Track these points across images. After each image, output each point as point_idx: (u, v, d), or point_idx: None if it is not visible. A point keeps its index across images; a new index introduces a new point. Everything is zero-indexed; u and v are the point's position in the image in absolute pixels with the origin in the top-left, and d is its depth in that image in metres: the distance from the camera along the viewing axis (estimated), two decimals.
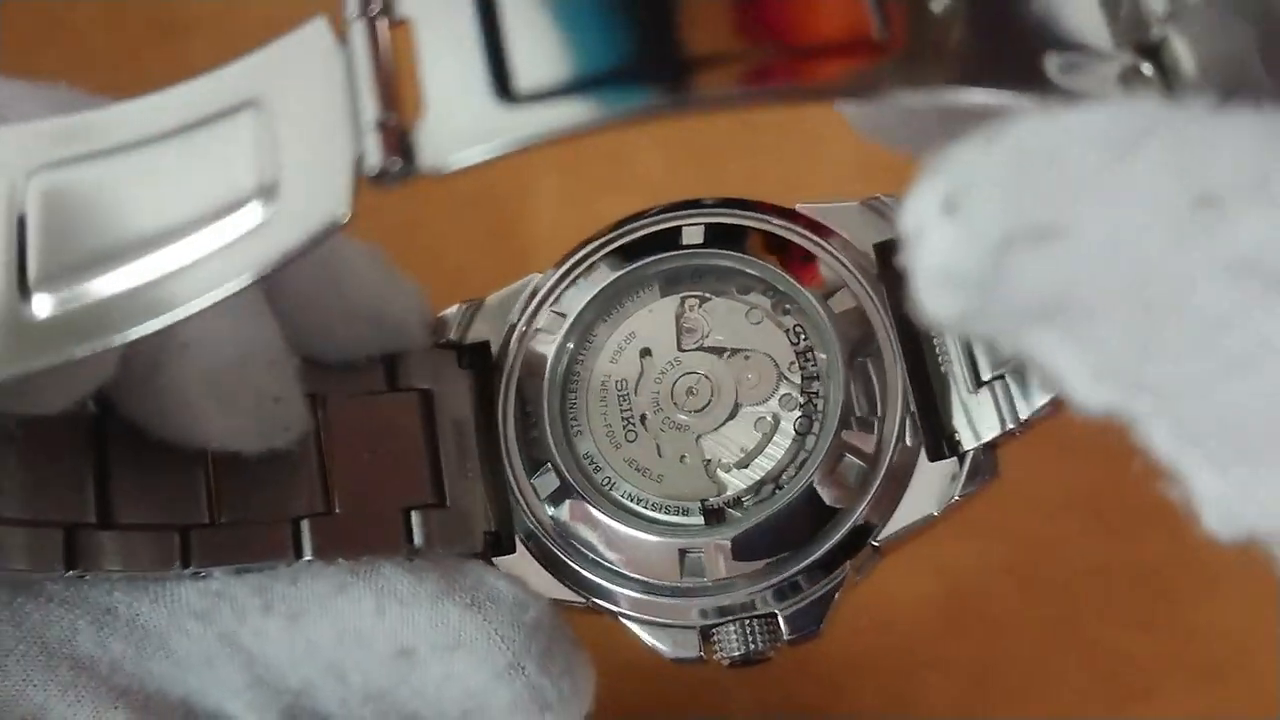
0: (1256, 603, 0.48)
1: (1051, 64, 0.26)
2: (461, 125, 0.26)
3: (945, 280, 0.24)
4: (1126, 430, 0.24)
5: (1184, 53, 0.26)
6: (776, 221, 0.39)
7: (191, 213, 0.29)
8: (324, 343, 0.38)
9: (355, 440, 0.38)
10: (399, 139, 0.26)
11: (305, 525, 0.36)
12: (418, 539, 0.37)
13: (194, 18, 0.60)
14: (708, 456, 0.38)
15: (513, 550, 0.38)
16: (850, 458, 0.36)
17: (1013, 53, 0.27)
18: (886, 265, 0.38)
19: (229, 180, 0.29)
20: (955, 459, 0.36)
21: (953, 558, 0.50)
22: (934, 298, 0.24)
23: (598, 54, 0.26)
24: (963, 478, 0.36)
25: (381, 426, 0.38)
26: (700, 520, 0.37)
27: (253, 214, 0.28)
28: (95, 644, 0.34)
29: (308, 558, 0.35)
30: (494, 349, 0.40)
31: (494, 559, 0.38)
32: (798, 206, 0.39)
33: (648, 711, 0.48)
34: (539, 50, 0.26)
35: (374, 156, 0.26)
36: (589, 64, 0.26)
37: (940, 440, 0.36)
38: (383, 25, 0.28)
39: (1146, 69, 0.26)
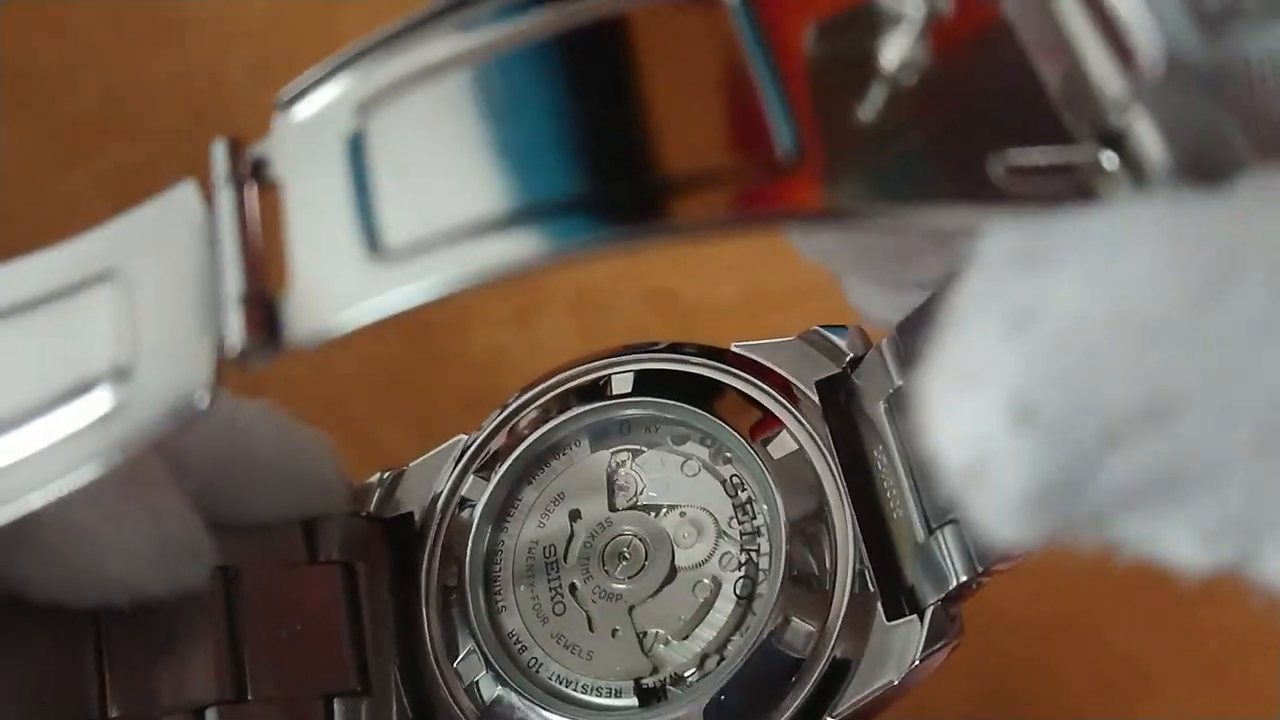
0: (1256, 603, 0.48)
1: (998, 167, 0.22)
2: (331, 292, 0.24)
3: (1035, 505, 0.20)
4: None
5: (1150, 140, 0.22)
6: (709, 364, 0.36)
7: (40, 396, 0.26)
8: (235, 506, 0.35)
9: (271, 616, 0.34)
10: (264, 314, 0.24)
11: (211, 715, 0.32)
12: None
13: (194, 18, 0.59)
14: (642, 629, 0.34)
15: None
16: (799, 621, 0.32)
17: (956, 160, 0.23)
18: (830, 403, 0.35)
19: (81, 359, 0.26)
20: (915, 617, 0.32)
21: None
22: (1018, 527, 0.21)
23: (471, 203, 0.24)
24: (923, 639, 0.32)
25: (300, 602, 0.35)
26: (634, 702, 0.33)
27: (106, 397, 0.26)
28: None
29: None
30: (418, 519, 0.37)
31: None
32: (732, 347, 0.36)
33: None
34: (410, 204, 0.24)
35: (234, 336, 0.24)
36: (461, 213, 0.23)
37: (898, 596, 0.32)
38: (252, 192, 0.26)
39: (1109, 161, 0.23)
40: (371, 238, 0.24)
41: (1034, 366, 0.20)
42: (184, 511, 0.33)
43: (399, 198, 0.24)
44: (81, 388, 0.26)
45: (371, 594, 0.36)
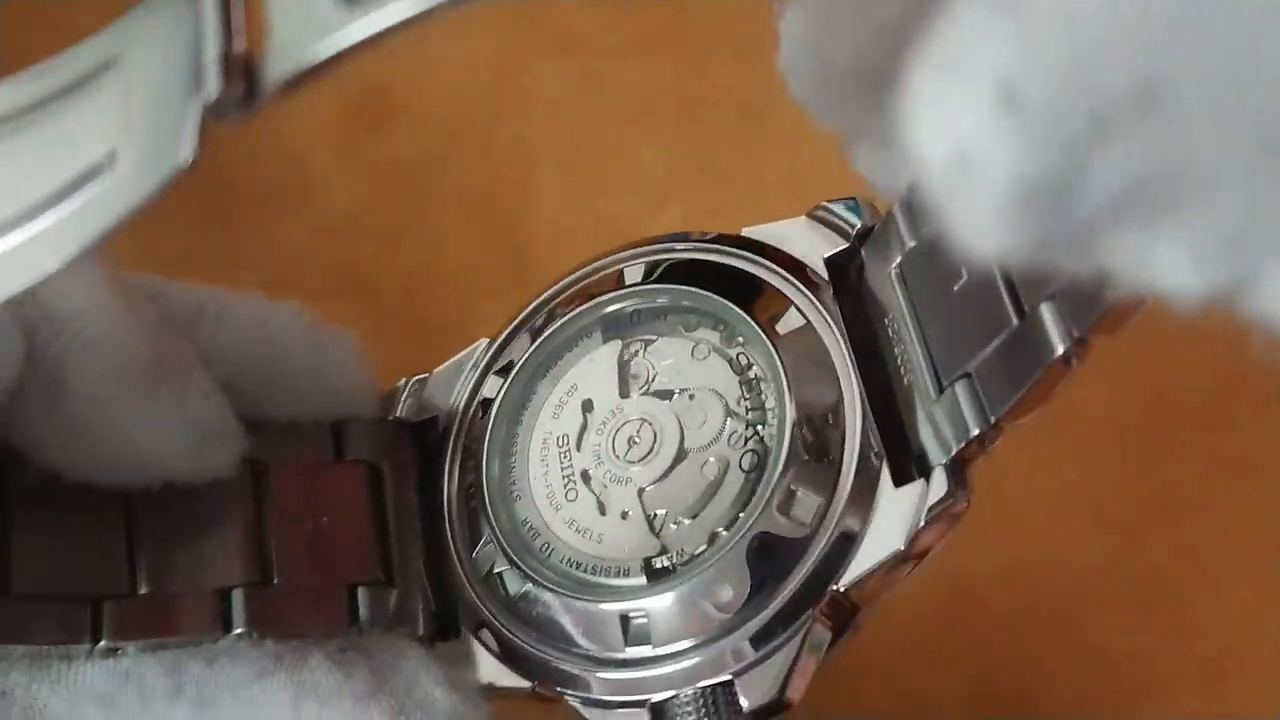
0: (1257, 603, 0.48)
1: None
2: (305, 32, 0.24)
3: (1021, 201, 0.19)
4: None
5: None
6: (718, 248, 0.36)
7: (44, 188, 0.26)
8: (267, 404, 0.35)
9: (298, 510, 0.34)
10: (242, 67, 0.24)
11: (237, 596, 0.33)
12: (363, 618, 0.34)
13: None
14: (651, 511, 0.35)
15: (457, 635, 0.35)
16: (805, 493, 0.32)
17: None
18: (839, 280, 0.34)
19: (83, 152, 0.26)
20: (923, 480, 0.32)
21: (953, 558, 0.50)
22: (1002, 230, 0.19)
23: None
24: (929, 499, 0.31)
25: (327, 498, 0.35)
26: (643, 580, 0.34)
27: (102, 177, 0.26)
28: None
29: (237, 630, 0.32)
30: (442, 423, 0.38)
31: (439, 644, 0.35)
32: (743, 231, 0.36)
33: None
34: None
35: (211, 87, 0.24)
36: None
37: (907, 461, 0.32)
38: None
39: None
40: None
41: (1020, 48, 0.19)
42: (213, 395, 0.33)
43: None
44: (85, 178, 0.26)
45: (397, 494, 0.36)
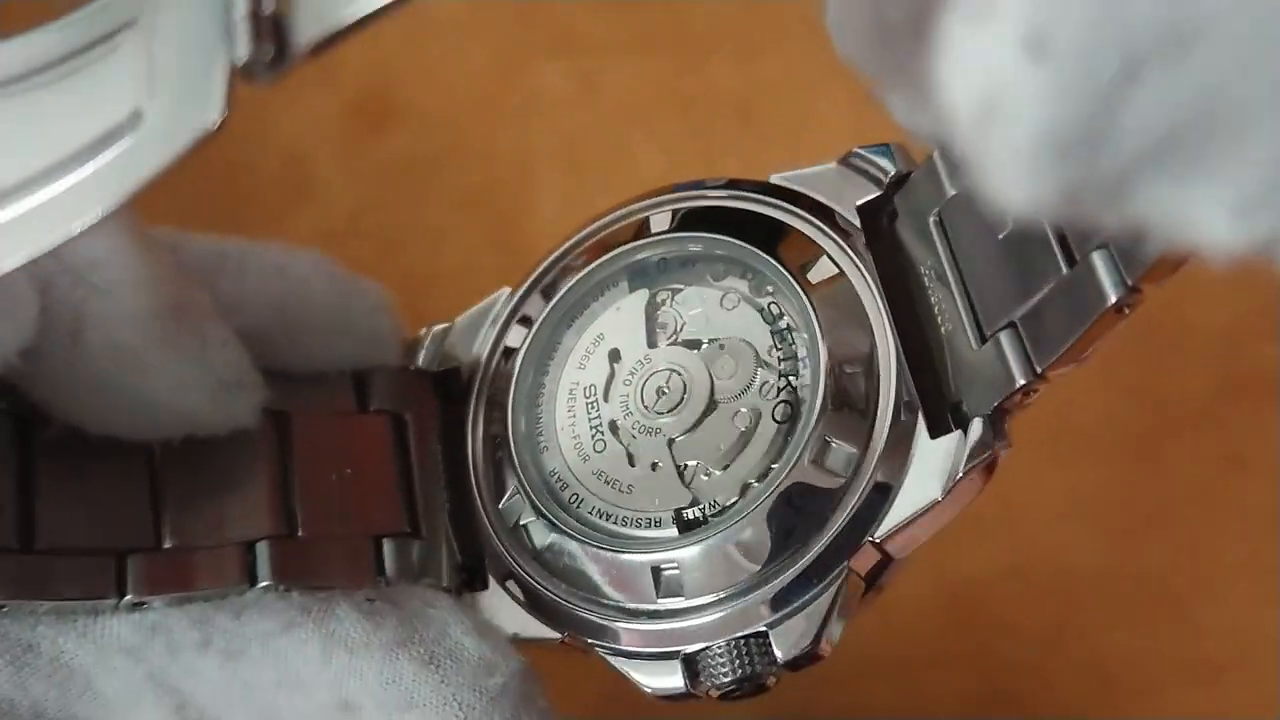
0: (1256, 603, 0.48)
1: None
2: None
3: (1050, 151, 0.18)
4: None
5: None
6: (746, 195, 0.35)
7: (67, 147, 0.26)
8: (290, 353, 0.35)
9: (322, 461, 0.34)
10: (272, 28, 0.24)
11: (263, 549, 0.32)
12: (389, 570, 0.33)
13: None
14: (682, 462, 0.34)
15: (485, 586, 0.35)
16: (839, 444, 0.32)
17: None
18: (872, 227, 0.34)
19: (106, 110, 0.26)
20: (960, 431, 0.31)
21: (954, 559, 0.50)
22: (1032, 182, 0.19)
23: None
24: (967, 450, 0.30)
25: (351, 448, 0.35)
26: (674, 532, 0.33)
27: (128, 136, 0.25)
28: (14, 686, 0.30)
29: (263, 583, 0.32)
30: (465, 372, 0.37)
31: (466, 595, 0.35)
32: (772, 178, 0.35)
33: (640, 712, 0.48)
34: None
35: (242, 48, 0.24)
36: None
37: (943, 412, 0.31)
38: None
39: None
40: None
41: None
42: (232, 343, 0.33)
43: None
44: (112, 130, 0.26)
45: (420, 444, 0.36)
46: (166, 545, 0.32)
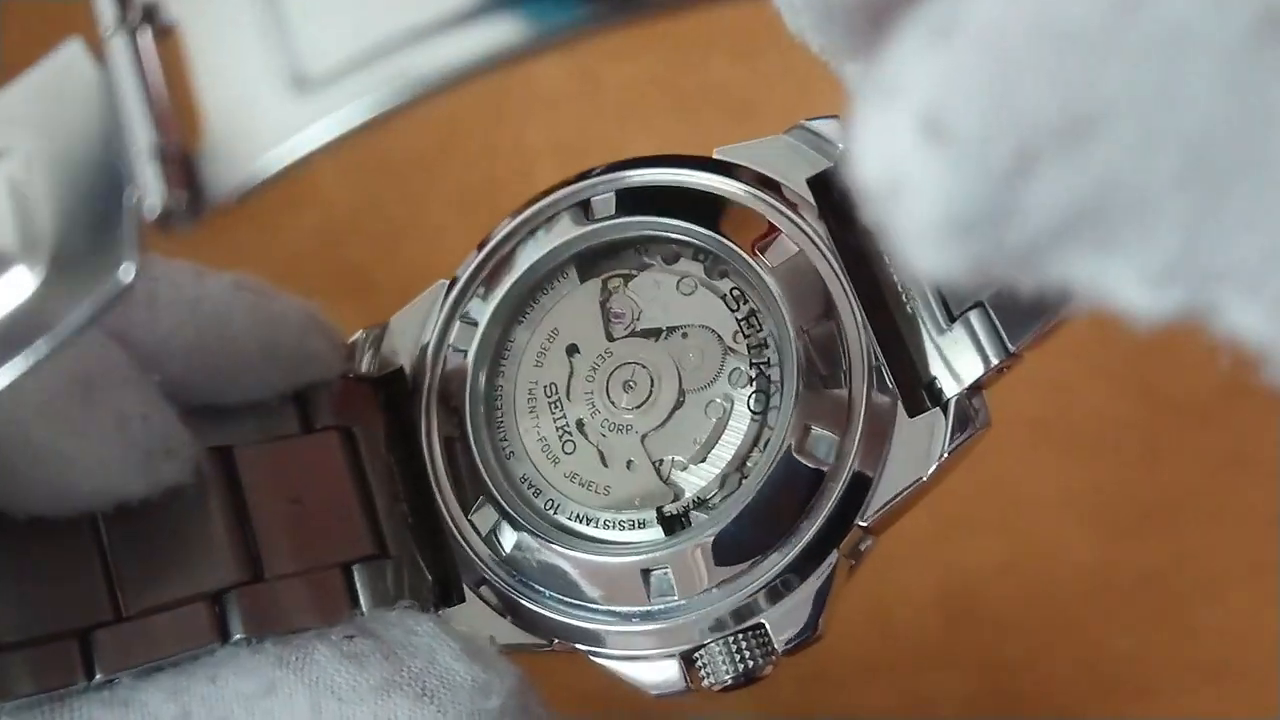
0: (1256, 603, 0.48)
1: None
2: (251, 134, 0.21)
3: (952, 230, 0.19)
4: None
5: None
6: (692, 173, 0.34)
7: None
8: (221, 391, 0.32)
9: (275, 491, 0.32)
10: (182, 169, 0.21)
11: (231, 599, 0.31)
12: (363, 599, 0.32)
13: None
14: (657, 457, 0.33)
15: (462, 599, 0.33)
16: (818, 429, 0.31)
17: None
18: (825, 201, 0.32)
19: None
20: (938, 410, 0.30)
21: (953, 558, 0.50)
22: (937, 254, 0.19)
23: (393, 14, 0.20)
24: (948, 430, 0.30)
25: (303, 473, 0.33)
26: (659, 532, 0.32)
27: (20, 285, 0.23)
28: None
29: (236, 637, 0.30)
30: (408, 371, 0.35)
31: (445, 610, 0.33)
32: (715, 152, 0.34)
33: (643, 711, 0.48)
34: (334, 21, 0.21)
35: (154, 195, 0.21)
36: (399, 20, 0.20)
37: (918, 391, 0.31)
38: (146, 39, 0.23)
39: None
40: (291, 67, 0.21)
41: (948, 78, 0.18)
42: (153, 411, 0.30)
43: (320, 17, 0.21)
44: None
45: (373, 456, 0.34)
46: (129, 612, 0.30)
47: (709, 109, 0.55)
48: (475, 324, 0.34)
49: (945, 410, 0.30)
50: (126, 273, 0.22)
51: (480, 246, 0.35)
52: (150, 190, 0.22)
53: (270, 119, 0.21)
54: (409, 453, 0.34)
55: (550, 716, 0.31)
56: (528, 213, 0.34)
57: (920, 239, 0.19)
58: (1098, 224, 0.18)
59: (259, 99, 0.21)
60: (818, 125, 0.33)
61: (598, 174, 0.34)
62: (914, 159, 0.18)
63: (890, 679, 0.49)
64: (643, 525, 0.32)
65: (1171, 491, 0.49)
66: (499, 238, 0.35)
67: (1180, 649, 0.48)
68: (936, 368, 0.31)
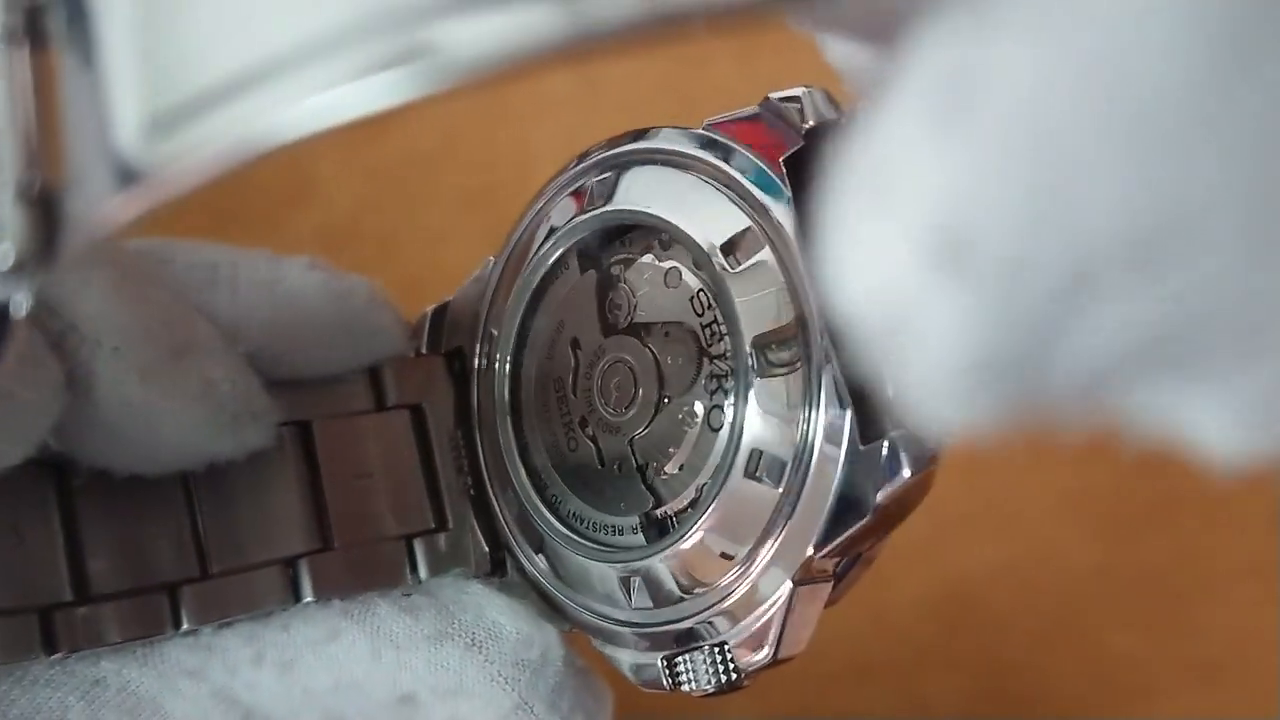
0: (1256, 603, 0.48)
1: None
2: (101, 176, 0.19)
3: (976, 377, 0.14)
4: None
5: None
6: (681, 152, 0.31)
7: None
8: (297, 365, 0.34)
9: (347, 466, 0.35)
10: (44, 213, 0.20)
11: (303, 565, 0.33)
12: (422, 569, 0.34)
13: None
14: (643, 461, 0.32)
15: (505, 573, 0.34)
16: (770, 453, 0.29)
17: None
18: (798, 182, 0.29)
19: None
20: (889, 440, 0.28)
21: (953, 559, 0.50)
22: (954, 404, 0.15)
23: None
24: (904, 460, 0.28)
25: (374, 449, 0.35)
26: (641, 538, 0.32)
27: None
28: (89, 719, 0.31)
29: (307, 599, 0.33)
30: (467, 349, 0.35)
31: (494, 579, 0.35)
32: (705, 124, 0.31)
33: (645, 710, 0.48)
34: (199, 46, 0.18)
35: (20, 241, 0.20)
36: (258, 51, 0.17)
37: (878, 414, 0.28)
38: (21, 56, 0.20)
39: None
40: (161, 94, 0.18)
41: (967, 179, 0.13)
42: (238, 376, 0.32)
43: (210, 28, 0.17)
44: None
45: (440, 432, 0.36)
46: (213, 571, 0.33)
47: (711, 111, 0.55)
48: (502, 313, 0.34)
49: (895, 444, 0.27)
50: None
51: (517, 223, 0.35)
52: (16, 235, 0.20)
53: (116, 161, 0.18)
54: (469, 428, 0.35)
55: (586, 669, 0.33)
56: (546, 195, 0.34)
57: (933, 389, 0.14)
58: (1181, 352, 0.14)
59: (112, 132, 0.18)
60: (784, 103, 0.29)
61: (594, 155, 0.33)
62: (921, 288, 0.14)
63: (890, 680, 0.49)
64: (626, 531, 0.32)
65: (1170, 493, 0.49)
66: (529, 217, 0.34)
67: (1180, 649, 0.48)
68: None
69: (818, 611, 0.30)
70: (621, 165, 0.32)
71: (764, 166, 0.30)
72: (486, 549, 0.35)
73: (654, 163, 0.31)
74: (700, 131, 0.31)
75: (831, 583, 0.30)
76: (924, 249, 0.14)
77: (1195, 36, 0.12)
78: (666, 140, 0.31)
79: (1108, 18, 0.12)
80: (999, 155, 0.13)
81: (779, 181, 0.29)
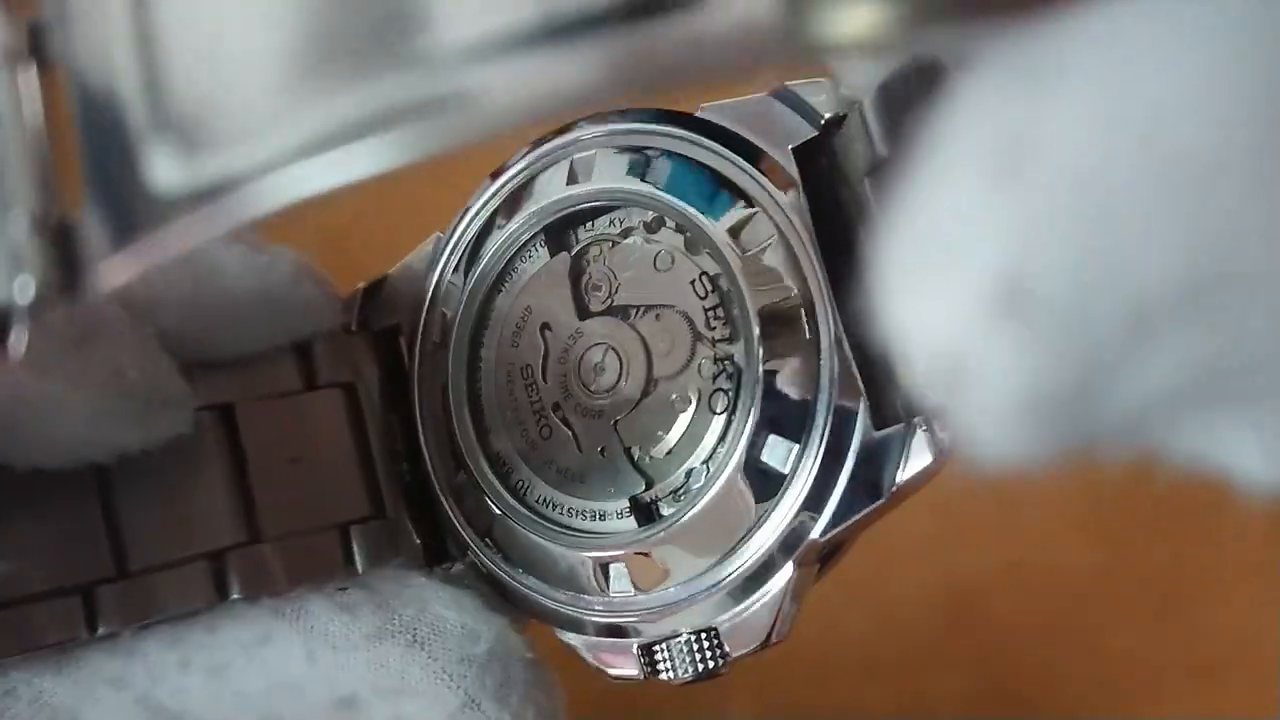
0: (1256, 603, 0.48)
1: None
2: (123, 215, 0.18)
3: (1035, 414, 0.15)
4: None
5: None
6: (678, 135, 0.30)
7: None
8: (218, 344, 0.32)
9: (276, 451, 0.32)
10: (60, 246, 0.18)
11: (230, 559, 0.31)
12: (359, 560, 0.32)
13: None
14: (629, 445, 0.31)
15: (450, 560, 0.33)
16: (775, 435, 0.29)
17: None
18: (809, 173, 0.29)
19: None
20: (904, 427, 0.28)
21: (954, 558, 0.50)
22: (1012, 439, 0.15)
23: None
24: (909, 452, 0.28)
25: (303, 431, 0.33)
26: (631, 523, 0.31)
27: None
28: None
29: (234, 596, 0.31)
30: (404, 330, 0.33)
31: (437, 569, 0.33)
32: (701, 109, 0.31)
33: (645, 709, 0.48)
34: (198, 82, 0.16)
35: (37, 276, 0.18)
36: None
37: (891, 403, 0.28)
38: (29, 75, 0.19)
39: None
40: (176, 119, 0.17)
41: (1028, 230, 0.14)
42: (149, 361, 0.30)
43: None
44: None
45: (373, 414, 0.33)
46: (132, 570, 0.30)
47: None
48: (458, 286, 0.33)
49: (911, 429, 0.27)
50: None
51: (471, 202, 0.33)
52: (33, 269, 0.19)
53: (139, 201, 0.17)
54: (406, 413, 0.33)
55: (535, 661, 0.31)
56: (515, 168, 0.32)
57: (994, 426, 0.15)
58: (1229, 389, 0.15)
59: (142, 164, 0.18)
60: (803, 91, 0.29)
61: (579, 129, 0.32)
62: (986, 335, 0.15)
63: (891, 679, 0.49)
64: (611, 516, 0.31)
65: (1171, 494, 0.49)
66: (487, 194, 0.33)
67: (1182, 649, 0.48)
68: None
69: (805, 596, 0.30)
70: (601, 145, 0.31)
71: (769, 152, 0.29)
72: (429, 539, 0.33)
73: (640, 145, 0.31)
74: (696, 115, 0.31)
75: (818, 567, 0.30)
76: (986, 296, 0.15)
77: (1250, 105, 0.13)
78: (655, 121, 0.31)
79: (1160, 93, 0.13)
80: (1054, 213, 0.14)
81: (787, 168, 0.29)
